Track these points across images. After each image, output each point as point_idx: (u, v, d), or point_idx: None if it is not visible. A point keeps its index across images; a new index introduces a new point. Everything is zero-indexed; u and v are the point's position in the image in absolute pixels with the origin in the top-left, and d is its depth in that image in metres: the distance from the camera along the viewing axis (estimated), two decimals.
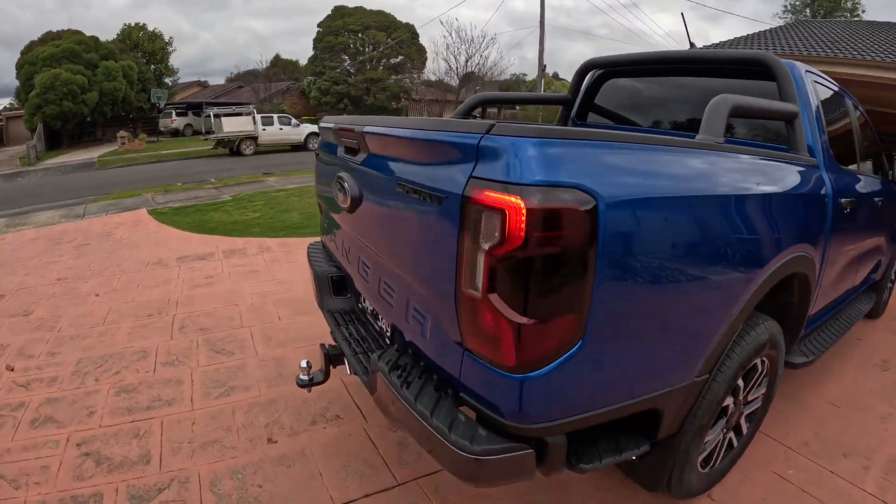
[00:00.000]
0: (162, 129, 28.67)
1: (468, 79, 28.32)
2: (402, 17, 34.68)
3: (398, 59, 33.06)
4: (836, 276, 2.44)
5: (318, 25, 33.35)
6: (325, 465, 2.13)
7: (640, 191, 1.21)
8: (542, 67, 20.54)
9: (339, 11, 33.21)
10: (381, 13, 33.42)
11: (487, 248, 1.09)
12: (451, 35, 32.82)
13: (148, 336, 3.34)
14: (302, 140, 20.07)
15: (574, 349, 1.16)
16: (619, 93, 3.17)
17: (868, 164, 2.92)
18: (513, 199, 1.04)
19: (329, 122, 2.12)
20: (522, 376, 1.14)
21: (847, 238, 2.38)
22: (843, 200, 2.21)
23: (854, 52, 6.70)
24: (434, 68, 35.56)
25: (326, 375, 2.09)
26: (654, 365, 1.39)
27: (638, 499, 2.00)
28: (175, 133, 28.63)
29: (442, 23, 37.50)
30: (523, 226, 1.03)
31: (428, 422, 1.23)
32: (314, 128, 20.78)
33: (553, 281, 1.09)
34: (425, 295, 1.39)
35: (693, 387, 1.52)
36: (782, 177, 1.81)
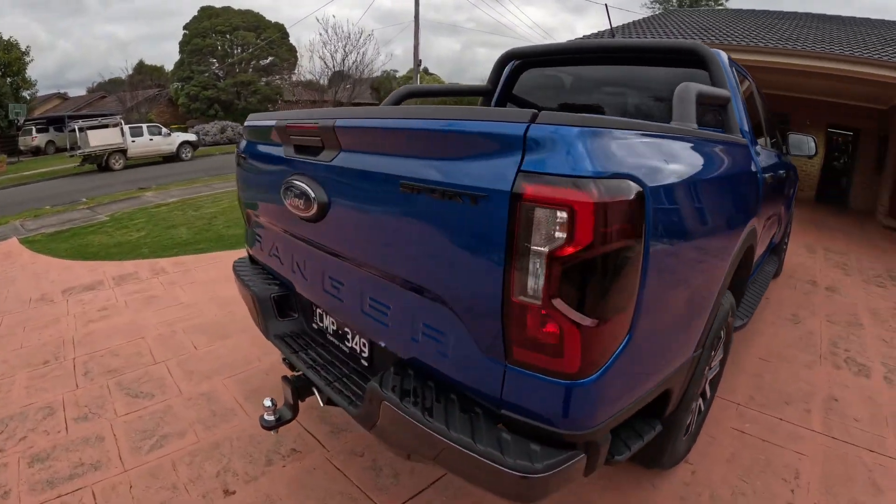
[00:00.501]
0: (22, 147, 25.13)
1: (338, 78, 27.69)
2: (271, 17, 33.77)
3: (268, 61, 32.27)
4: (760, 243, 2.68)
5: (185, 27, 31.73)
6: None
7: (667, 177, 1.21)
8: (417, 62, 21.09)
9: (206, 12, 31.76)
10: (249, 13, 32.46)
11: (549, 249, 0.99)
12: (327, 32, 32.16)
13: (49, 388, 2.77)
14: (174, 150, 18.90)
15: (623, 344, 1.10)
16: (537, 82, 3.20)
17: (768, 140, 3.23)
18: (578, 193, 0.95)
19: (264, 119, 1.86)
20: (581, 381, 1.06)
21: (767, 208, 2.62)
22: (766, 175, 2.41)
23: (729, 39, 7.51)
24: (310, 67, 34.64)
25: (295, 411, 1.84)
26: (672, 346, 1.41)
27: (617, 477, 2.02)
28: (37, 151, 25.31)
29: (318, 20, 36.40)
30: (592, 222, 0.95)
31: (473, 449, 1.09)
32: (187, 136, 19.87)
33: (614, 277, 1.03)
34: (448, 308, 1.21)
35: (692, 362, 1.55)
36: (740, 157, 1.93)
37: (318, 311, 1.89)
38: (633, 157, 1.11)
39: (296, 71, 30.85)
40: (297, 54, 31.81)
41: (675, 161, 1.31)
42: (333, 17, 44.93)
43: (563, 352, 1.03)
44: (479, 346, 1.16)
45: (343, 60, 27.01)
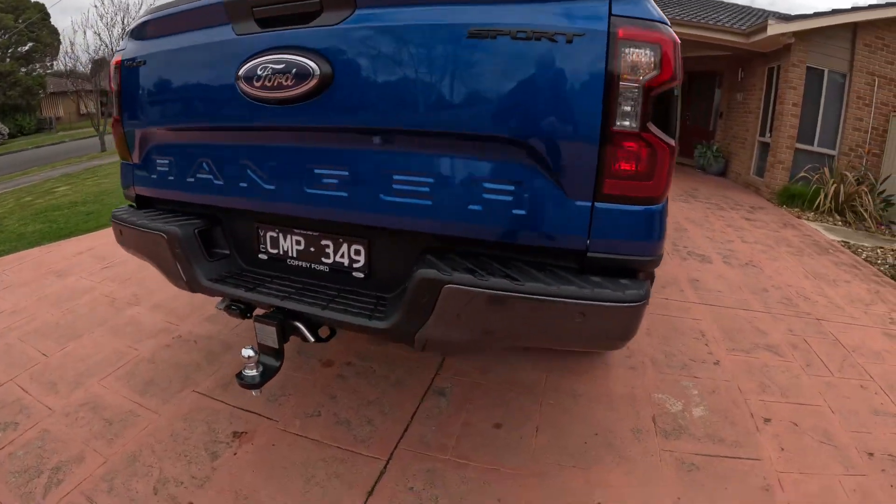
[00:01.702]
0: None
1: (101, 65, 23.72)
2: None
3: (28, 47, 27.61)
4: None
5: None
6: (285, 493, 1.63)
7: None
8: None
9: None
10: None
11: (644, 81, 1.11)
12: (103, 4, 26.73)
13: None
14: None
15: None
16: None
17: None
18: (661, 35, 1.11)
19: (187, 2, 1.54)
20: (658, 206, 1.19)
21: None
22: None
23: None
24: (84, 45, 29.13)
25: (280, 357, 1.55)
26: None
27: (574, 365, 2.28)
28: None
29: None
30: (672, 58, 1.11)
31: (581, 296, 1.12)
32: None
33: (678, 105, 1.19)
34: (528, 156, 1.19)
35: None
36: None
37: (270, 234, 1.61)
38: None
39: (60, 55, 25.68)
40: (60, 38, 27.32)
41: None
42: None
43: (653, 174, 1.15)
44: (565, 189, 1.18)
45: (121, 35, 22.68)
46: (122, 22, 22.67)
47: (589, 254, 1.20)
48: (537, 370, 2.27)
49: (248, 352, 1.47)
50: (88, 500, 1.61)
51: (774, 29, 6.71)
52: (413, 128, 1.27)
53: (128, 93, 1.72)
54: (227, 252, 1.69)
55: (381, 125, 1.30)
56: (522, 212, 1.21)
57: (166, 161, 1.72)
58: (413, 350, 1.32)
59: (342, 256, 1.50)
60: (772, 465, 1.80)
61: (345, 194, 1.37)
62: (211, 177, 1.60)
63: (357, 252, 1.48)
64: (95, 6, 31.18)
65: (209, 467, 1.74)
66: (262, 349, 1.55)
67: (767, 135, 7.77)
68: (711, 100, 10.49)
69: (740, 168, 8.72)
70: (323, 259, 1.54)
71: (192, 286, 1.63)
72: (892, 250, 4.95)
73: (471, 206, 1.24)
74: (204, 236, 1.64)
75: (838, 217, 6.36)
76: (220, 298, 1.71)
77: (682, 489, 1.67)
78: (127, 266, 3.60)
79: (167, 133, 1.70)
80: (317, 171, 1.40)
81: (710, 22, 7.94)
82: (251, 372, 1.48)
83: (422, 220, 1.30)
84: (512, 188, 1.21)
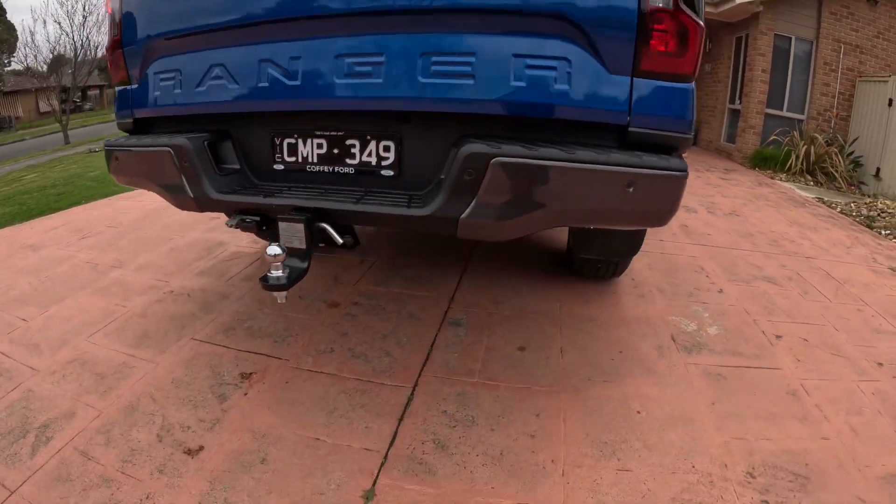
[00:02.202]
0: None
1: (59, 62, 22.58)
2: None
3: None
4: None
5: None
6: (307, 427, 1.54)
7: None
8: None
9: None
10: None
11: None
12: None
13: None
14: None
15: None
16: None
17: None
18: None
19: None
20: (690, 84, 1.24)
21: None
22: None
23: None
24: (45, 35, 27.95)
25: (308, 258, 1.45)
26: None
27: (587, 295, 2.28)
28: None
29: None
30: None
31: (631, 164, 1.16)
32: None
33: None
34: (571, 28, 1.20)
35: None
36: None
37: (288, 141, 1.52)
38: None
39: (20, 47, 24.15)
40: (16, 34, 25.44)
41: None
42: None
43: (686, 51, 1.20)
44: (606, 64, 1.21)
45: (84, 22, 21.48)
46: (84, 9, 21.55)
47: (630, 129, 1.24)
48: (549, 299, 2.27)
49: (274, 249, 1.34)
50: (83, 455, 1.47)
51: None
52: (454, 6, 1.24)
53: (130, 6, 1.59)
54: (237, 167, 1.58)
55: (422, 5, 1.25)
56: (566, 86, 1.23)
57: (172, 74, 1.58)
58: (456, 237, 1.29)
59: (370, 155, 1.43)
60: (792, 374, 1.82)
61: (380, 80, 1.31)
62: (225, 82, 1.47)
63: (386, 149, 1.41)
64: None
65: (218, 409, 1.64)
66: (284, 249, 1.43)
67: (737, 102, 7.95)
68: None
69: (711, 136, 8.91)
70: (348, 160, 1.45)
71: (201, 203, 1.50)
72: (866, 203, 5.14)
73: (514, 83, 1.23)
74: (212, 150, 1.53)
75: (810, 178, 6.56)
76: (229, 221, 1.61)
77: (714, 395, 1.67)
78: (106, 235, 3.40)
79: (176, 43, 1.56)
80: (349, 59, 1.33)
81: None
82: (277, 272, 1.37)
83: (462, 100, 1.27)
84: (555, 64, 1.22)
